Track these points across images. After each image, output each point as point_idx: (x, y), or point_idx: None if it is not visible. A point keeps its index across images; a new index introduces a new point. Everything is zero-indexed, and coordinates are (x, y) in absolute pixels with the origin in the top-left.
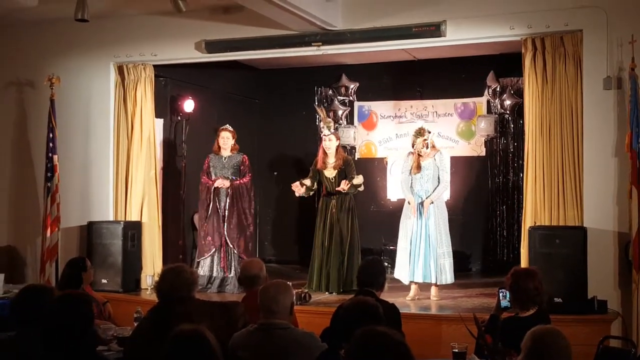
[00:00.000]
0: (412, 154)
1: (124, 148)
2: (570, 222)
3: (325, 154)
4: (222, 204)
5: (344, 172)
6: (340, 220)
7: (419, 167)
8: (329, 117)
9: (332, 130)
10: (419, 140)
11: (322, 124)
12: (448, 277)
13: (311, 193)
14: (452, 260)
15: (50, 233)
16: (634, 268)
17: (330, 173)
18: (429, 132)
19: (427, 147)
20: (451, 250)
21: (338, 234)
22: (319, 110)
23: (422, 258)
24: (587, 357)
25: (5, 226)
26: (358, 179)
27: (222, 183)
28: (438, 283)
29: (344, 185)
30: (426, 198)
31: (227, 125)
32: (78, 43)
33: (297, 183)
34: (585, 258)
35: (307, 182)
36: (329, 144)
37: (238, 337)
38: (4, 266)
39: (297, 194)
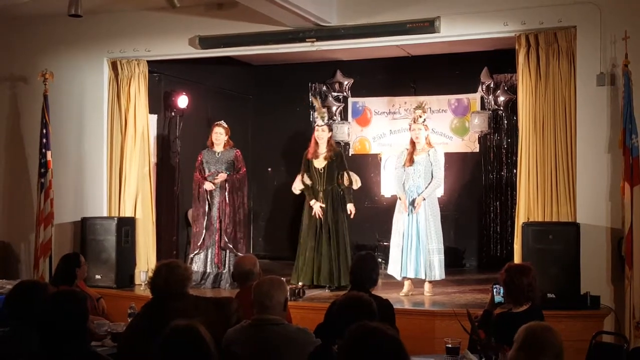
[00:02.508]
0: (407, 149)
1: (117, 144)
2: (564, 218)
3: (316, 143)
4: (217, 200)
5: (334, 165)
6: (328, 213)
7: (412, 160)
8: (324, 109)
9: (326, 121)
10: (418, 112)
11: (316, 114)
12: (437, 273)
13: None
14: (442, 257)
15: (44, 229)
16: (626, 264)
17: (320, 163)
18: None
19: (420, 121)
20: (442, 247)
21: (327, 227)
22: (314, 101)
23: (414, 254)
24: (580, 353)
25: None
26: (356, 182)
27: (219, 177)
28: (427, 279)
29: (351, 209)
30: (418, 195)
31: (222, 121)
32: (71, 39)
33: (299, 180)
34: (578, 254)
35: (307, 180)
36: (322, 134)
37: (232, 332)
38: None
39: (297, 192)
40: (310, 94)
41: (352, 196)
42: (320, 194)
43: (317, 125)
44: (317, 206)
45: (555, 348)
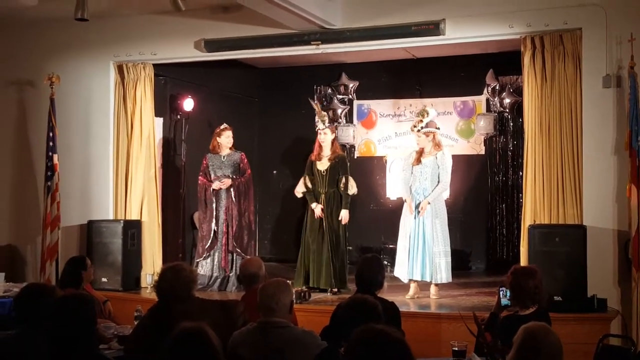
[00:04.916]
0: (415, 151)
1: (123, 147)
2: (570, 220)
3: (320, 146)
4: (223, 203)
5: (336, 168)
6: (328, 217)
7: (419, 160)
8: (324, 112)
9: (327, 124)
10: (416, 119)
11: (317, 118)
12: (444, 276)
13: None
14: (449, 260)
15: (51, 232)
16: (633, 266)
17: (322, 165)
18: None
19: (421, 125)
20: (449, 249)
21: (327, 231)
22: (313, 104)
23: (420, 256)
24: (587, 356)
25: (6, 225)
26: (352, 188)
27: (224, 183)
28: (433, 282)
29: (345, 218)
30: (424, 198)
31: (225, 124)
32: (78, 42)
33: (301, 183)
34: (584, 256)
35: (309, 184)
36: (324, 137)
37: (238, 335)
38: (5, 265)
39: (299, 195)
40: (315, 97)
41: (350, 202)
42: (322, 197)
43: (319, 128)
44: (318, 209)
45: (553, 349)
